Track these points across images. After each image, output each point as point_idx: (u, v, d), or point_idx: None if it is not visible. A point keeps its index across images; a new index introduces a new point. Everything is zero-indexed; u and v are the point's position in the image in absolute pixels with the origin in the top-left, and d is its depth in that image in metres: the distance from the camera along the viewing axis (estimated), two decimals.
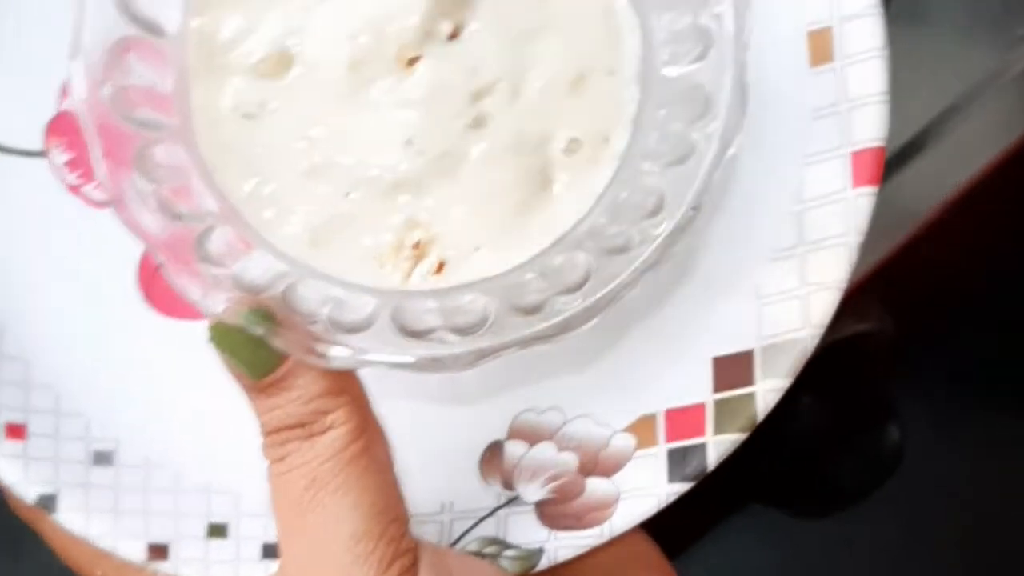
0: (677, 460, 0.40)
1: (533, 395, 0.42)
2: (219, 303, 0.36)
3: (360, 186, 0.38)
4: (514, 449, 0.42)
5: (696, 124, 0.37)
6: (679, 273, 0.42)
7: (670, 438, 0.41)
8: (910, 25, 0.64)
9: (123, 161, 0.37)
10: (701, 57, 0.37)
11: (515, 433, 0.42)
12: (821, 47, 0.41)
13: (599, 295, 0.36)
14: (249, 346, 0.36)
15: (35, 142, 0.45)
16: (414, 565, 0.37)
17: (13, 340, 0.44)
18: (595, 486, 0.41)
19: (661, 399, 0.41)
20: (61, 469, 0.43)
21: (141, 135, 0.37)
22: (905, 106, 0.64)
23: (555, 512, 0.42)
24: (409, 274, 0.38)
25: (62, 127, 0.46)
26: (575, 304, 0.36)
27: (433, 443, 0.42)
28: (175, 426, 0.43)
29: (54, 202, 0.45)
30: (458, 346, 0.36)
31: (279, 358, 0.37)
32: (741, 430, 0.40)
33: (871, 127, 0.40)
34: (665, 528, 0.76)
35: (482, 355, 0.36)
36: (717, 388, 0.41)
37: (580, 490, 0.42)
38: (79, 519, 0.43)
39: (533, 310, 0.36)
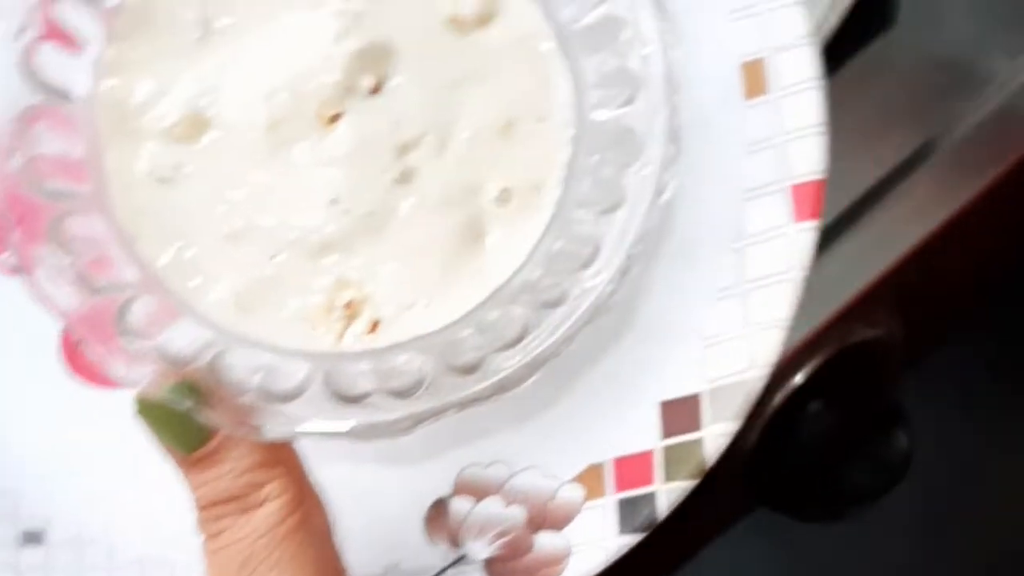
0: (627, 510, 0.39)
1: (477, 448, 0.41)
2: (143, 378, 0.35)
3: (286, 248, 0.37)
4: (460, 505, 0.41)
5: (629, 169, 0.36)
6: (623, 316, 0.41)
7: (619, 488, 0.40)
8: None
9: (36, 234, 0.35)
10: (631, 100, 0.36)
11: (460, 489, 0.41)
12: (755, 79, 0.40)
13: (537, 351, 0.35)
14: (177, 420, 0.35)
15: None
16: None
17: None
18: (545, 541, 0.40)
19: (609, 447, 0.40)
20: None
21: (54, 206, 0.36)
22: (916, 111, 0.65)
23: (505, 570, 0.41)
24: (342, 335, 0.37)
25: None
26: (513, 361, 0.35)
27: (376, 504, 0.41)
28: (108, 500, 0.42)
29: None
30: (395, 410, 0.35)
31: (210, 430, 0.35)
32: (691, 476, 0.39)
33: (810, 160, 0.39)
34: (674, 532, 0.75)
35: (420, 419, 0.35)
36: (665, 434, 0.40)
37: (529, 546, 0.41)
38: None
39: (470, 369, 0.35)
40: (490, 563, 0.41)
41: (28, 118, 0.36)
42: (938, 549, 0.88)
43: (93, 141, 0.37)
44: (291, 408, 0.35)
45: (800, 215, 0.39)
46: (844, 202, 0.63)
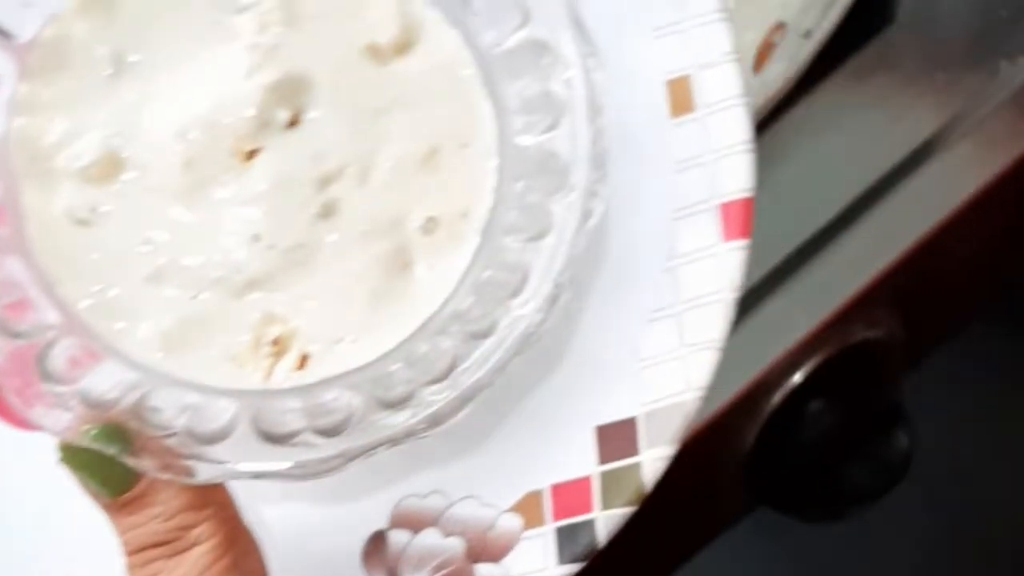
0: (566, 539, 0.39)
1: (415, 479, 0.40)
2: (66, 423, 0.34)
3: (209, 286, 0.36)
4: (398, 538, 0.40)
5: (555, 195, 0.35)
6: (558, 340, 0.40)
7: (558, 516, 0.39)
8: None
9: None
10: (554, 125, 0.36)
11: (397, 521, 0.40)
12: (681, 97, 0.39)
13: (467, 384, 0.35)
14: (103, 464, 0.34)
15: None
16: None
17: None
18: (484, 573, 0.39)
19: (546, 474, 0.39)
20: None
21: None
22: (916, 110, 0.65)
23: None
24: (271, 372, 0.36)
25: None
26: (443, 395, 0.34)
27: (313, 541, 0.40)
28: (34, 545, 0.40)
29: None
30: (324, 448, 0.34)
31: (137, 474, 0.35)
32: (629, 503, 0.38)
33: (738, 178, 0.39)
34: (675, 532, 0.75)
35: (351, 456, 0.34)
36: (602, 459, 0.39)
37: None
38: None
39: (400, 403, 0.35)
40: None
41: None
42: (938, 549, 0.88)
43: (9, 181, 0.36)
44: (219, 449, 0.34)
45: (729, 234, 0.39)
46: (844, 201, 0.63)
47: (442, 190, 0.37)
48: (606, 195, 0.35)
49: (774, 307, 0.63)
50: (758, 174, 0.62)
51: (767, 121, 0.63)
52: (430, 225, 0.37)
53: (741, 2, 0.62)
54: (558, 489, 0.39)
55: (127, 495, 0.35)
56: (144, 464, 0.34)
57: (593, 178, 0.35)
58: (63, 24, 0.37)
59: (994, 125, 0.65)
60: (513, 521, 0.39)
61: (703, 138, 0.39)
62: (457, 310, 0.36)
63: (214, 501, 0.35)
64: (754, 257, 0.65)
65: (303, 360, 0.37)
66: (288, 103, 0.37)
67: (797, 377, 0.65)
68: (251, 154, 0.36)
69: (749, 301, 0.63)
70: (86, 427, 0.34)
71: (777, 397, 0.66)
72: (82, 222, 0.36)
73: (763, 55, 0.63)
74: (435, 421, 0.34)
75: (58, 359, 0.35)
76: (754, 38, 0.63)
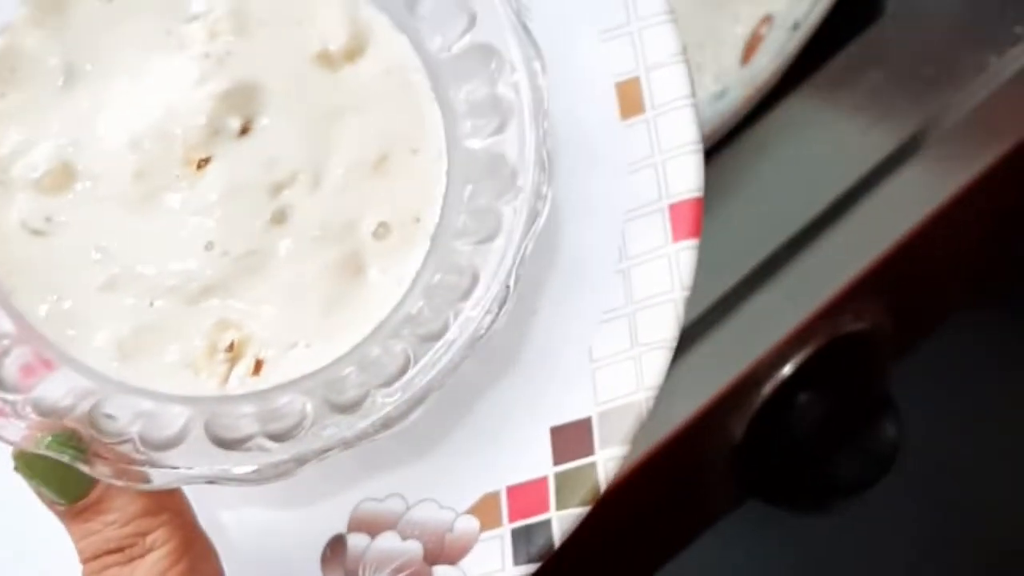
0: (522, 540, 0.39)
1: (373, 482, 0.40)
2: (19, 431, 0.34)
3: (164, 294, 0.36)
4: (356, 542, 0.40)
5: (503, 197, 0.36)
6: (512, 342, 0.41)
7: (513, 517, 0.39)
8: None
9: None
10: (502, 128, 0.36)
11: (356, 525, 0.40)
12: (630, 98, 0.40)
13: (419, 386, 0.35)
14: (57, 471, 0.34)
15: None
16: None
17: None
18: (442, 575, 0.40)
19: (502, 475, 0.40)
20: None
21: None
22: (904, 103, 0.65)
23: None
24: (226, 378, 0.37)
25: None
26: (394, 398, 0.35)
27: (271, 545, 0.40)
28: None
29: None
30: (277, 453, 0.35)
31: (91, 480, 0.35)
32: (584, 503, 0.39)
33: (686, 178, 0.39)
34: (665, 524, 0.75)
35: (304, 460, 0.35)
36: (557, 460, 0.39)
37: None
38: None
39: (352, 407, 0.35)
40: None
41: None
42: (927, 540, 0.88)
43: None
44: (172, 455, 0.35)
45: (678, 235, 0.39)
46: (833, 194, 0.64)
47: (393, 195, 0.37)
48: (551, 196, 0.35)
49: (763, 300, 0.63)
50: (747, 167, 0.63)
51: (755, 114, 0.64)
52: (382, 230, 0.37)
53: None
54: (514, 491, 0.39)
55: (82, 502, 0.35)
56: (98, 471, 0.34)
57: (540, 181, 0.35)
58: (14, 34, 0.37)
59: (982, 119, 0.65)
60: (470, 523, 0.39)
61: (653, 139, 0.39)
62: (409, 313, 0.36)
63: (169, 507, 0.35)
64: (743, 250, 0.66)
65: (258, 366, 0.37)
66: (239, 111, 0.37)
67: (786, 369, 0.66)
68: (203, 162, 0.37)
69: (738, 294, 0.64)
70: (40, 435, 0.34)
71: (767, 389, 0.67)
72: (37, 232, 0.36)
73: (751, 48, 0.63)
74: (387, 423, 0.35)
75: (11, 368, 0.35)
76: (743, 31, 0.63)
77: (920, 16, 0.66)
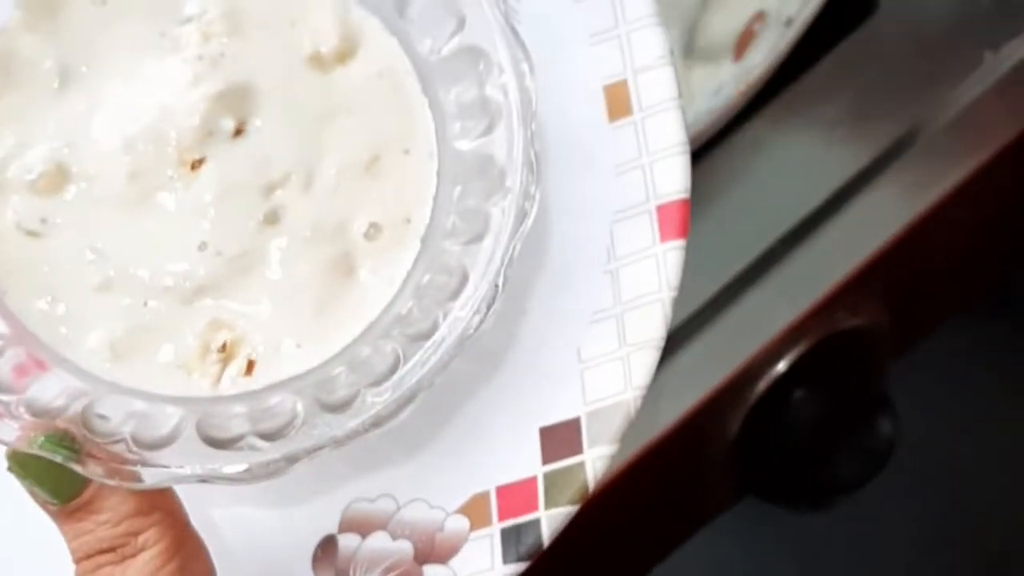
0: (511, 539, 0.39)
1: (364, 483, 0.41)
2: (12, 431, 0.34)
3: (158, 295, 0.37)
4: (347, 542, 0.40)
5: (492, 198, 0.36)
6: (504, 343, 0.41)
7: (503, 516, 0.39)
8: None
9: None
10: (490, 129, 0.36)
11: (347, 525, 0.40)
12: (618, 101, 0.40)
13: (408, 385, 0.35)
14: (51, 472, 0.35)
15: None
16: None
17: None
18: (432, 574, 0.40)
19: (492, 475, 0.40)
20: None
21: None
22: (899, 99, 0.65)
23: None
24: (219, 379, 0.37)
25: None
26: (384, 397, 0.35)
27: (263, 545, 0.40)
28: None
29: None
30: (268, 452, 0.35)
31: (84, 480, 0.35)
32: (573, 502, 0.39)
33: (673, 180, 0.39)
34: (662, 522, 0.75)
35: (295, 459, 0.35)
36: (546, 460, 0.39)
37: None
38: None
39: (342, 406, 0.35)
40: None
41: None
42: (924, 537, 0.88)
43: None
44: (164, 455, 0.35)
45: (666, 235, 0.39)
46: (828, 189, 0.64)
47: (385, 196, 0.38)
48: (540, 197, 0.36)
49: (758, 296, 0.63)
50: (741, 163, 0.62)
51: (749, 110, 0.64)
52: (373, 231, 0.37)
53: None
54: (503, 490, 0.39)
55: (75, 502, 0.35)
56: (91, 470, 0.35)
57: (528, 181, 0.36)
58: (9, 38, 0.38)
59: (977, 115, 0.65)
60: (460, 523, 0.39)
61: (641, 141, 0.40)
62: (399, 313, 0.37)
63: (161, 506, 0.36)
64: (738, 246, 0.66)
65: (250, 366, 0.37)
66: (233, 112, 0.37)
67: (782, 366, 0.66)
68: (197, 163, 0.37)
69: (733, 290, 0.64)
70: (33, 435, 0.34)
71: (762, 386, 0.67)
72: (31, 233, 0.37)
73: (743, 43, 0.63)
74: (377, 422, 0.35)
75: (4, 368, 0.35)
76: (735, 27, 0.64)
77: (914, 12, 0.66)
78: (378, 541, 0.40)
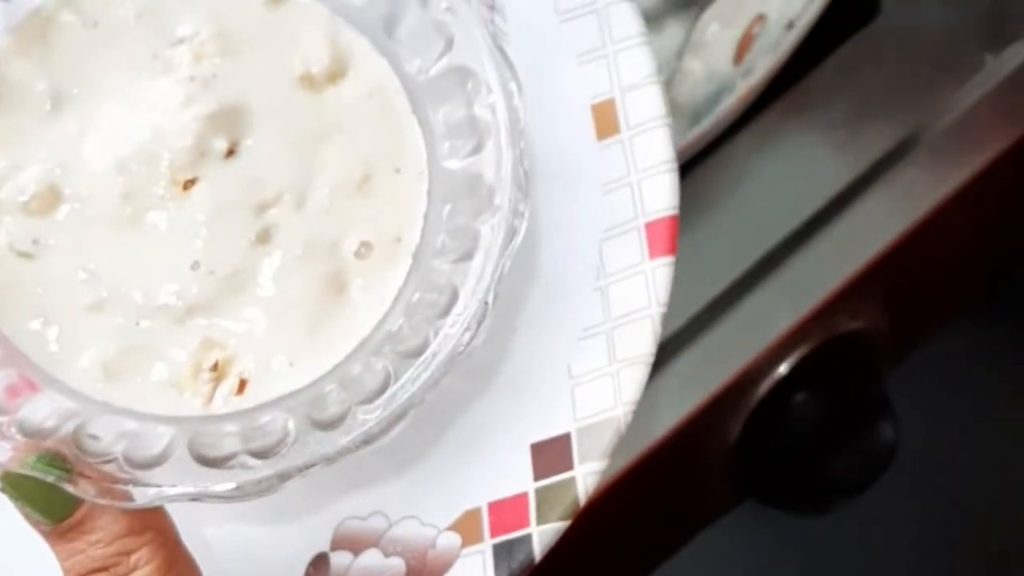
0: (503, 555, 0.39)
1: (357, 500, 0.41)
2: (4, 452, 0.35)
3: (150, 314, 0.37)
4: (340, 560, 0.41)
5: (481, 216, 0.36)
6: (495, 361, 0.41)
7: (495, 533, 0.40)
8: None
9: None
10: (479, 148, 0.37)
11: (339, 543, 0.41)
12: (606, 120, 0.41)
13: (399, 402, 0.35)
14: (43, 492, 0.35)
15: None
16: None
17: None
18: None
19: (484, 492, 0.40)
20: None
21: None
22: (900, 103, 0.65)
23: None
24: (211, 398, 0.37)
25: None
26: (375, 414, 0.35)
27: (256, 563, 0.40)
28: None
29: None
30: (260, 470, 0.35)
31: (76, 500, 0.35)
32: (564, 517, 0.39)
33: (662, 197, 0.40)
34: (662, 525, 0.75)
35: (286, 476, 0.35)
36: (537, 476, 0.40)
37: None
38: None
39: (334, 424, 0.35)
40: None
41: None
42: (925, 541, 0.88)
43: None
44: (156, 474, 0.35)
45: (654, 252, 0.40)
46: (828, 193, 0.64)
47: (376, 214, 0.38)
48: (529, 215, 0.36)
49: (759, 299, 0.63)
50: (743, 167, 0.62)
51: (750, 113, 0.64)
52: (364, 249, 0.38)
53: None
54: (495, 506, 0.39)
55: (67, 522, 0.35)
56: (83, 490, 0.35)
57: (517, 199, 0.36)
58: (0, 62, 0.38)
59: (978, 119, 0.65)
60: (452, 539, 0.39)
61: (629, 159, 0.40)
62: (390, 331, 0.37)
63: (153, 526, 0.36)
64: (740, 249, 0.66)
65: (242, 385, 0.37)
66: (225, 133, 0.38)
67: (782, 369, 0.66)
68: (190, 183, 0.37)
69: (735, 293, 0.64)
70: (25, 456, 0.34)
71: (763, 389, 0.67)
72: (24, 254, 0.37)
73: (743, 47, 0.63)
74: (368, 439, 0.35)
75: None
76: (734, 32, 0.64)
77: (916, 16, 0.66)
78: (370, 558, 0.40)
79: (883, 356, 0.72)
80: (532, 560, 0.39)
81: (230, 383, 0.37)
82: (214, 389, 0.37)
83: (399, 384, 0.36)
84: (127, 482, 0.35)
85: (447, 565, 0.40)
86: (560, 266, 0.40)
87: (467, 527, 0.40)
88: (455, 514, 0.40)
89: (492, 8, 0.40)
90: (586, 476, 0.39)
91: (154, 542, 0.36)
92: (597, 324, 0.40)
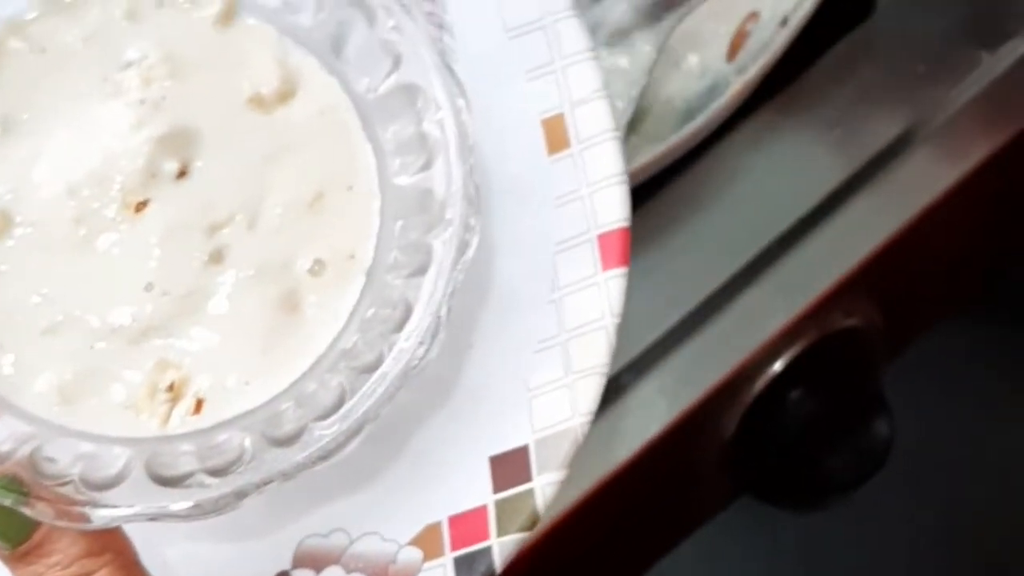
0: (464, 568, 0.40)
1: (317, 518, 0.41)
2: None
3: (105, 337, 0.37)
4: None
5: (433, 231, 0.37)
6: (452, 375, 0.41)
7: (455, 546, 0.40)
8: None
9: None
10: (428, 165, 0.37)
11: (300, 561, 0.41)
12: (556, 134, 0.41)
13: (355, 417, 0.35)
14: (0, 515, 0.35)
15: None
16: None
17: None
18: None
19: (444, 506, 0.40)
20: None
21: None
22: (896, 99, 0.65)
23: None
24: (167, 418, 0.37)
25: None
26: (332, 430, 0.35)
27: None
28: None
29: None
30: (217, 488, 0.35)
31: (34, 523, 0.35)
32: (523, 528, 0.39)
33: (613, 209, 0.40)
34: (657, 522, 0.75)
35: (243, 494, 0.35)
36: (496, 488, 0.40)
37: None
38: None
39: (290, 440, 0.36)
40: None
41: None
42: (920, 538, 0.88)
43: None
44: (113, 495, 0.35)
45: (607, 264, 0.40)
46: (823, 190, 0.64)
47: (329, 232, 0.38)
48: (481, 229, 0.36)
49: (754, 296, 0.63)
50: (738, 163, 0.62)
51: (744, 110, 0.64)
52: (317, 267, 0.38)
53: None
54: (455, 520, 0.40)
55: (25, 546, 0.35)
56: (40, 513, 0.35)
57: (468, 214, 0.36)
58: None
59: (974, 116, 0.65)
60: (413, 554, 0.40)
61: (580, 173, 0.40)
62: (344, 348, 0.37)
63: (112, 547, 0.36)
64: (734, 246, 0.66)
65: (198, 405, 0.37)
66: (176, 154, 0.38)
67: (777, 366, 0.66)
68: (141, 205, 0.37)
69: (730, 290, 0.64)
70: None
71: (758, 386, 0.66)
72: None
73: (736, 44, 0.63)
74: (324, 455, 0.35)
75: None
76: (728, 29, 0.64)
77: (911, 13, 0.66)
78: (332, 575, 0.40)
79: (878, 353, 0.72)
80: (493, 572, 0.39)
81: (186, 403, 0.37)
82: (171, 410, 0.37)
83: (355, 400, 0.36)
84: (84, 504, 0.35)
85: None
86: (514, 280, 0.41)
87: (428, 541, 0.40)
88: (416, 529, 0.40)
89: (440, 27, 0.40)
90: (544, 487, 0.39)
91: (113, 563, 0.36)
92: (552, 336, 0.40)
